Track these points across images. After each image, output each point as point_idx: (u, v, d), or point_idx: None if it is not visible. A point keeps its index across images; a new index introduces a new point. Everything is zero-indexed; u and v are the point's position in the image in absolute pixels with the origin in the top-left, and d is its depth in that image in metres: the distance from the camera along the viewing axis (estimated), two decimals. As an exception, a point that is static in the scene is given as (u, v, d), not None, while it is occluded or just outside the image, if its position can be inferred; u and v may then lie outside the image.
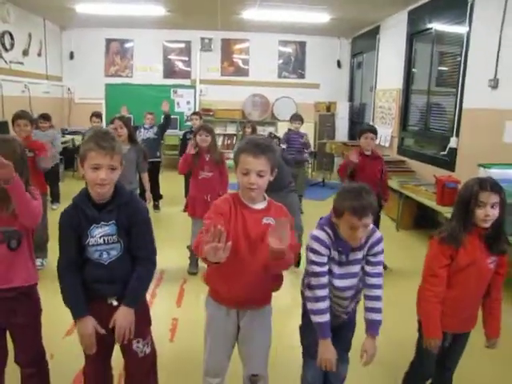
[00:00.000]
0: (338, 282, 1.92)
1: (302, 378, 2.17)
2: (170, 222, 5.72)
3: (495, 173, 4.26)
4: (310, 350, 2.06)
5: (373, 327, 1.94)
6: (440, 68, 6.35)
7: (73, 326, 3.01)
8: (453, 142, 5.50)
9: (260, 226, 1.82)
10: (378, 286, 1.96)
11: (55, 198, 6.25)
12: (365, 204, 1.80)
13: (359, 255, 1.94)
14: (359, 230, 1.82)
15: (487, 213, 1.89)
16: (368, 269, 1.95)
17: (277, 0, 6.72)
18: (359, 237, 1.84)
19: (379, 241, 1.95)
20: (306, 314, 2.06)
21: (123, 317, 1.81)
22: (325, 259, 1.89)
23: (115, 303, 1.86)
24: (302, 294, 2.10)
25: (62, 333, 2.95)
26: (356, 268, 1.95)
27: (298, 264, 3.78)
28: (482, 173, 4.30)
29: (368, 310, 1.95)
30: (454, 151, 5.52)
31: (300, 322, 2.17)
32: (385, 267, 3.99)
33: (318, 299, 1.89)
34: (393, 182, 5.85)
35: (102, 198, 1.80)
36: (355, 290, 2.00)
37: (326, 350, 1.88)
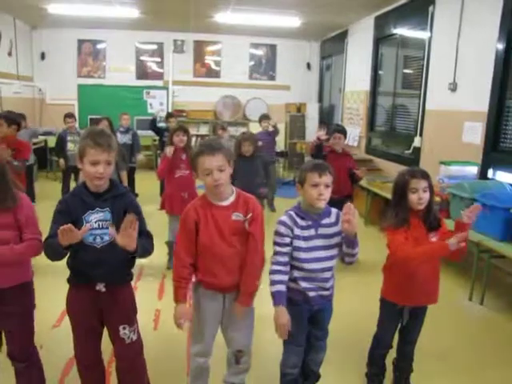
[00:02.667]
0: (303, 255, 2.10)
1: (282, 363, 2.32)
2: (147, 219, 5.82)
3: (455, 169, 4.60)
4: (292, 337, 2.20)
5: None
6: (405, 71, 6.69)
7: (60, 317, 3.15)
8: (417, 142, 5.83)
9: (230, 222, 2.03)
10: None
11: (30, 197, 6.22)
12: (322, 163, 2.11)
13: (329, 231, 2.13)
14: (321, 187, 2.04)
15: (420, 196, 2.20)
16: None
17: (249, 4, 6.92)
18: (322, 194, 2.04)
19: None
20: (286, 301, 2.24)
21: (125, 238, 1.85)
22: (285, 239, 2.08)
23: (103, 289, 2.00)
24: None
25: (50, 324, 3.07)
26: (325, 242, 2.12)
27: None
28: (443, 169, 4.62)
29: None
30: (417, 150, 5.85)
31: None
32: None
33: (274, 272, 2.08)
34: (361, 180, 6.13)
35: (99, 189, 1.97)
36: (331, 266, 2.15)
37: (281, 316, 2.04)
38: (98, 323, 2.08)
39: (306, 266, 2.10)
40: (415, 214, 2.25)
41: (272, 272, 2.09)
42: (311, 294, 2.13)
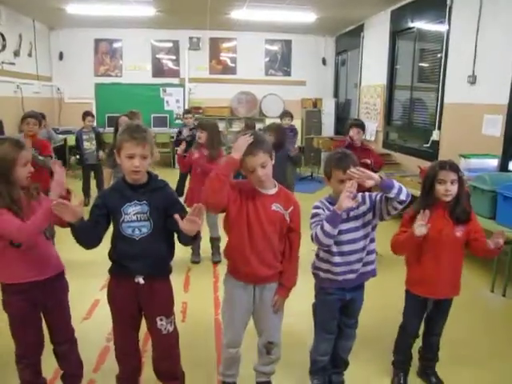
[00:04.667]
0: (341, 237, 2.16)
1: (312, 350, 2.40)
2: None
3: (475, 162, 4.60)
4: (323, 325, 2.31)
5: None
6: (422, 65, 6.67)
7: (90, 310, 3.25)
8: (435, 135, 5.82)
9: (269, 211, 2.09)
10: None
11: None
12: (345, 156, 2.15)
13: (359, 212, 2.19)
14: (347, 182, 2.08)
15: (447, 188, 2.24)
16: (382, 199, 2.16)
17: (264, 0, 6.95)
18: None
19: (370, 194, 2.23)
20: (319, 292, 2.33)
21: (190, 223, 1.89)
22: (323, 217, 2.14)
23: (142, 281, 2.06)
24: (314, 275, 2.34)
25: (81, 317, 3.17)
26: (356, 223, 2.19)
27: None
28: (463, 163, 4.62)
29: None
30: (436, 143, 5.84)
31: (313, 301, 2.39)
32: (376, 253, 4.28)
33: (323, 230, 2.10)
34: (380, 174, 6.14)
35: (137, 182, 2.03)
36: (362, 247, 2.21)
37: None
38: (137, 313, 2.16)
39: (346, 247, 2.18)
40: (442, 205, 2.30)
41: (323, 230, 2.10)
42: (342, 277, 2.20)
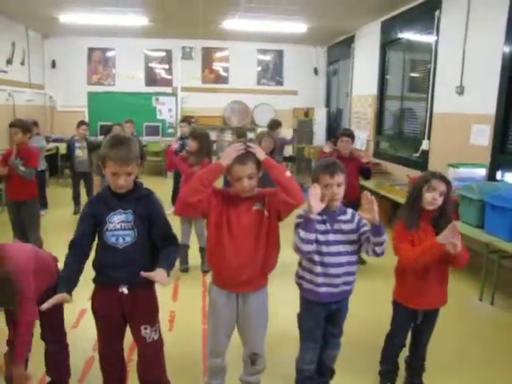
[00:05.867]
0: (325, 248, 2.18)
1: (298, 359, 2.40)
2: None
3: (463, 172, 4.64)
4: (308, 334, 2.31)
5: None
6: (412, 75, 6.74)
7: (78, 319, 3.23)
8: (424, 145, 5.88)
9: (252, 211, 2.09)
10: None
11: (42, 203, 6.35)
12: (333, 163, 2.19)
13: (345, 227, 2.21)
14: (333, 187, 2.13)
15: (435, 196, 2.25)
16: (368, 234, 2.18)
17: (256, 11, 7.01)
18: (336, 194, 2.14)
19: (360, 218, 2.23)
20: (303, 302, 2.33)
21: (160, 275, 1.94)
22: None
23: (126, 291, 2.06)
24: (298, 285, 2.35)
25: (70, 325, 3.14)
26: (341, 237, 2.20)
27: None
28: (452, 172, 4.66)
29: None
30: (425, 153, 5.89)
31: (298, 311, 2.39)
32: (363, 262, 4.30)
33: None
34: (370, 183, 6.19)
35: (123, 191, 2.04)
36: (345, 262, 2.21)
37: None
38: (121, 322, 2.15)
39: (327, 259, 2.18)
40: (426, 217, 2.31)
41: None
42: (323, 289, 2.20)
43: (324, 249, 2.18)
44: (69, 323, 3.14)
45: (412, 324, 2.46)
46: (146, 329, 2.14)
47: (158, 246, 2.09)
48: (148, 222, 2.06)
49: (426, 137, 5.89)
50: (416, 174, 5.62)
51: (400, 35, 6.74)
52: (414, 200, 2.33)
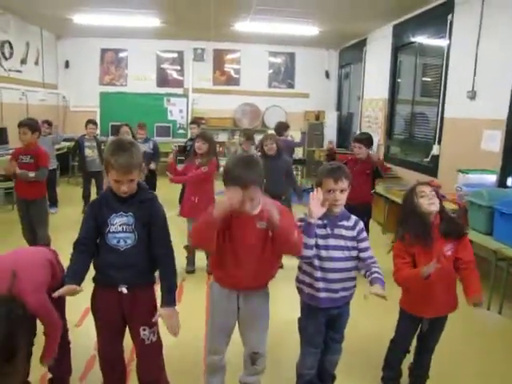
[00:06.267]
0: (324, 253, 2.16)
1: (298, 363, 2.38)
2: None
3: (473, 177, 4.59)
4: (309, 339, 2.29)
5: (376, 282, 2.09)
6: (423, 79, 6.69)
7: (82, 318, 3.24)
8: (435, 150, 5.82)
9: (256, 230, 2.04)
10: (372, 257, 2.19)
11: (53, 202, 6.41)
12: (338, 168, 2.17)
13: (345, 233, 2.19)
14: (336, 192, 2.11)
15: (431, 199, 2.26)
16: (361, 255, 2.19)
17: (268, 13, 7.01)
18: (337, 200, 2.12)
19: (363, 229, 2.24)
20: (303, 307, 2.32)
21: (169, 317, 2.01)
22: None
23: (125, 291, 2.07)
24: (298, 289, 2.33)
25: (73, 324, 3.16)
26: (341, 242, 2.18)
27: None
28: (461, 178, 4.61)
29: (370, 274, 2.13)
30: (436, 158, 5.84)
31: (299, 315, 2.37)
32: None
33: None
34: (379, 188, 6.17)
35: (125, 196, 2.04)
36: (344, 268, 2.19)
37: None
38: (120, 322, 2.15)
39: (327, 264, 2.16)
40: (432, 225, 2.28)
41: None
42: (323, 294, 2.19)
43: (324, 253, 2.16)
44: (73, 321, 3.18)
45: (417, 331, 2.44)
46: (144, 330, 2.15)
47: (154, 253, 2.09)
48: (148, 226, 2.07)
49: (436, 141, 5.83)
50: (426, 179, 5.57)
51: (412, 39, 6.69)
52: (411, 212, 2.30)
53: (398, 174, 6.92)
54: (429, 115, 6.41)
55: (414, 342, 2.53)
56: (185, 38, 9.55)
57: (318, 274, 2.18)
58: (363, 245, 2.20)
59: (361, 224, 2.23)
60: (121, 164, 1.92)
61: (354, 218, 2.24)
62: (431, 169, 5.88)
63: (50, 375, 2.41)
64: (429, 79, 6.55)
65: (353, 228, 2.20)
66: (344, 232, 2.19)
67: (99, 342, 2.20)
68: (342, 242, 2.18)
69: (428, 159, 6.03)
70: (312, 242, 2.09)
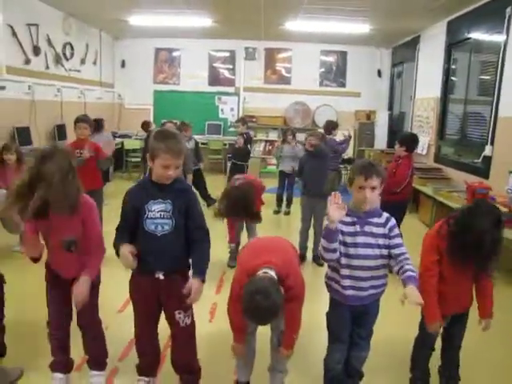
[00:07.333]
0: (352, 251, 2.15)
1: (325, 359, 2.39)
2: (212, 220, 6.04)
3: (525, 179, 4.38)
4: (335, 335, 2.31)
5: (410, 281, 2.01)
6: (478, 77, 6.44)
7: (125, 304, 3.40)
8: (487, 150, 5.59)
9: None
10: (404, 253, 2.12)
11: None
12: (370, 165, 2.14)
13: (376, 230, 2.16)
14: (366, 190, 2.08)
15: None
16: (393, 251, 2.13)
17: (319, 12, 7.00)
18: (368, 197, 2.08)
19: (395, 225, 2.19)
20: (332, 302, 2.33)
21: (197, 289, 2.09)
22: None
23: (162, 277, 2.17)
24: (327, 285, 2.35)
25: (116, 309, 3.34)
26: (371, 240, 2.15)
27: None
28: (512, 180, 4.43)
29: (402, 272, 2.06)
30: (488, 159, 5.61)
31: (327, 309, 2.39)
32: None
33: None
34: (427, 189, 6.04)
35: (164, 183, 2.13)
36: (373, 266, 2.17)
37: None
38: (156, 308, 2.27)
39: (355, 262, 2.15)
40: None
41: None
42: (350, 292, 2.19)
43: (352, 251, 2.15)
44: (116, 307, 3.35)
45: (441, 329, 2.39)
46: (179, 313, 2.25)
47: (191, 237, 2.18)
48: (185, 214, 2.16)
49: (489, 142, 5.61)
50: (476, 180, 5.39)
51: (467, 35, 6.44)
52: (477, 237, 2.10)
53: (448, 175, 6.70)
54: (482, 114, 6.17)
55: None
56: (236, 37, 9.68)
57: (345, 271, 2.18)
58: (395, 241, 2.15)
59: (393, 221, 2.19)
60: (171, 148, 2.04)
61: (385, 214, 2.20)
62: (482, 170, 5.66)
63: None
64: (483, 77, 6.29)
65: (384, 225, 2.17)
66: (374, 229, 2.16)
67: (136, 325, 2.32)
68: (371, 240, 2.15)
69: (479, 160, 5.81)
70: (333, 246, 2.07)
